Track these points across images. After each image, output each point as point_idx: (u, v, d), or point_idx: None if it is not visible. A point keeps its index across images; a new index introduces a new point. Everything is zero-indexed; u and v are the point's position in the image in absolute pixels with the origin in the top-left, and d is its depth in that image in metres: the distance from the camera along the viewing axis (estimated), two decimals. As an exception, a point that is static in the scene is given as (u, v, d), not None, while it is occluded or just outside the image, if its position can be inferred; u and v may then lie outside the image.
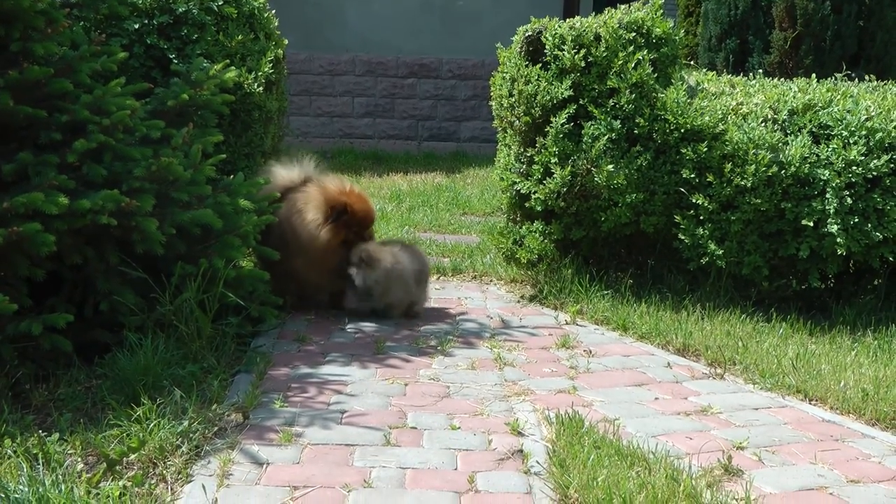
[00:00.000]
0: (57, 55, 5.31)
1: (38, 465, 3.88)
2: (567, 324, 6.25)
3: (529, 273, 7.03)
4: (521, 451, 4.28)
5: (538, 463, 4.16)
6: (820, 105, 6.62)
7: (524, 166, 6.91)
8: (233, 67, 6.27)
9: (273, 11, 7.86)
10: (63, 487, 3.68)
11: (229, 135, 6.58)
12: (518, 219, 7.17)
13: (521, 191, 6.87)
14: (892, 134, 6.33)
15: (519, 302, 6.76)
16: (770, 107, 6.68)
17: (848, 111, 6.47)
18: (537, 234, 6.82)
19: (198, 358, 5.13)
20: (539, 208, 6.77)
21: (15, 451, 3.96)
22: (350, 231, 6.06)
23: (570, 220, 6.81)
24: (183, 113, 5.87)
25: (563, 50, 6.71)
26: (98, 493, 3.73)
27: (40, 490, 3.63)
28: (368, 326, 6.07)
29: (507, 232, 7.12)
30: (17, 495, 3.60)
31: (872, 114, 6.43)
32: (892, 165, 6.29)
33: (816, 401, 5.09)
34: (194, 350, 5.16)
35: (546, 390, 5.08)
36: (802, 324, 6.19)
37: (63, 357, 4.90)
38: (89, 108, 5.18)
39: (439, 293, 6.91)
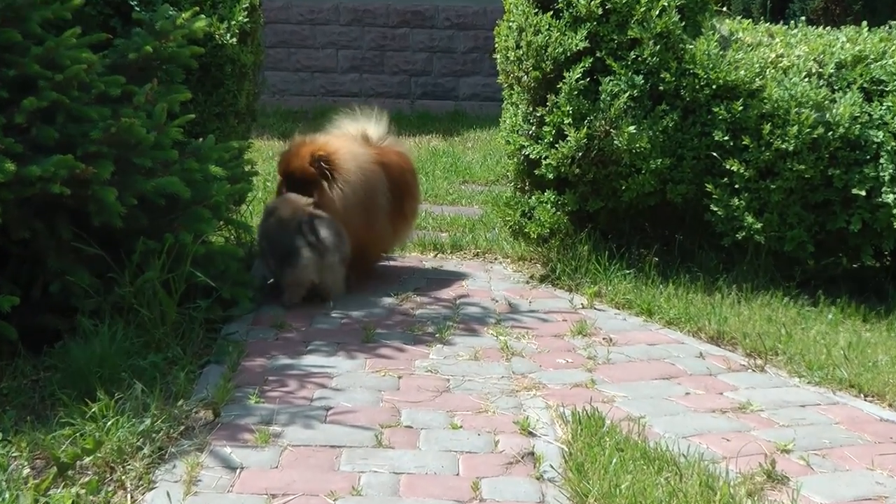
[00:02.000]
0: (3, 2, 5.26)
1: (-22, 469, 3.87)
2: (583, 308, 6.25)
3: (540, 250, 7.03)
4: (533, 453, 4.28)
5: (552, 467, 4.16)
6: (872, 57, 6.62)
7: (533, 128, 6.88)
8: (202, 16, 6.26)
9: (247, -48, 7.81)
10: (7, 496, 3.67)
11: (198, 92, 6.57)
12: (526, 188, 7.15)
13: (530, 156, 6.84)
14: (956, 90, 6.31)
15: (528, 283, 6.77)
16: (814, 59, 6.68)
17: (904, 64, 6.46)
18: (549, 206, 6.80)
19: (161, 347, 5.15)
20: (551, 176, 6.75)
21: (-49, 454, 3.94)
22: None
23: (587, 190, 6.79)
24: (146, 67, 5.87)
25: (579, -5, 6.68)
26: (48, 502, 3.73)
27: (-19, 499, 3.62)
28: (356, 311, 6.06)
29: (513, 203, 7.09)
30: (-47, 505, 3.59)
31: (933, 67, 6.42)
32: (955, 126, 6.28)
33: (872, 397, 5.09)
34: (157, 338, 5.18)
35: (560, 384, 5.09)
36: (854, 308, 6.21)
37: (7, 346, 4.90)
38: (40, 62, 5.17)
39: (437, 273, 6.90)
